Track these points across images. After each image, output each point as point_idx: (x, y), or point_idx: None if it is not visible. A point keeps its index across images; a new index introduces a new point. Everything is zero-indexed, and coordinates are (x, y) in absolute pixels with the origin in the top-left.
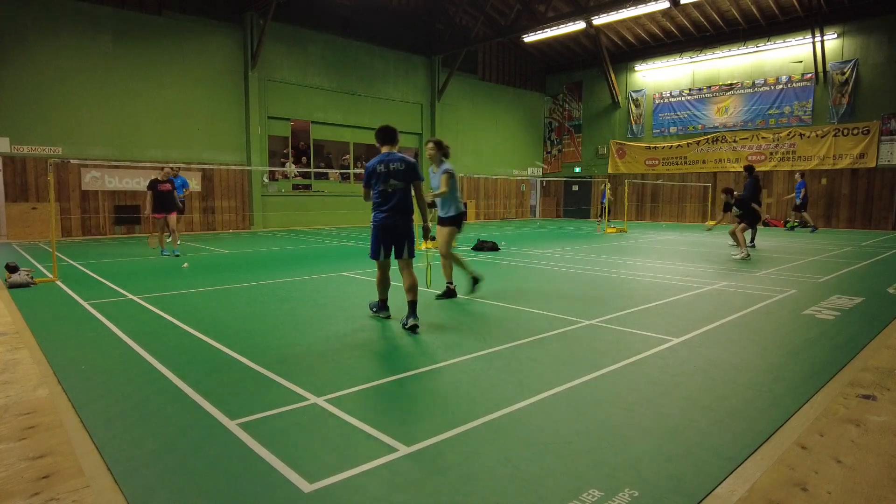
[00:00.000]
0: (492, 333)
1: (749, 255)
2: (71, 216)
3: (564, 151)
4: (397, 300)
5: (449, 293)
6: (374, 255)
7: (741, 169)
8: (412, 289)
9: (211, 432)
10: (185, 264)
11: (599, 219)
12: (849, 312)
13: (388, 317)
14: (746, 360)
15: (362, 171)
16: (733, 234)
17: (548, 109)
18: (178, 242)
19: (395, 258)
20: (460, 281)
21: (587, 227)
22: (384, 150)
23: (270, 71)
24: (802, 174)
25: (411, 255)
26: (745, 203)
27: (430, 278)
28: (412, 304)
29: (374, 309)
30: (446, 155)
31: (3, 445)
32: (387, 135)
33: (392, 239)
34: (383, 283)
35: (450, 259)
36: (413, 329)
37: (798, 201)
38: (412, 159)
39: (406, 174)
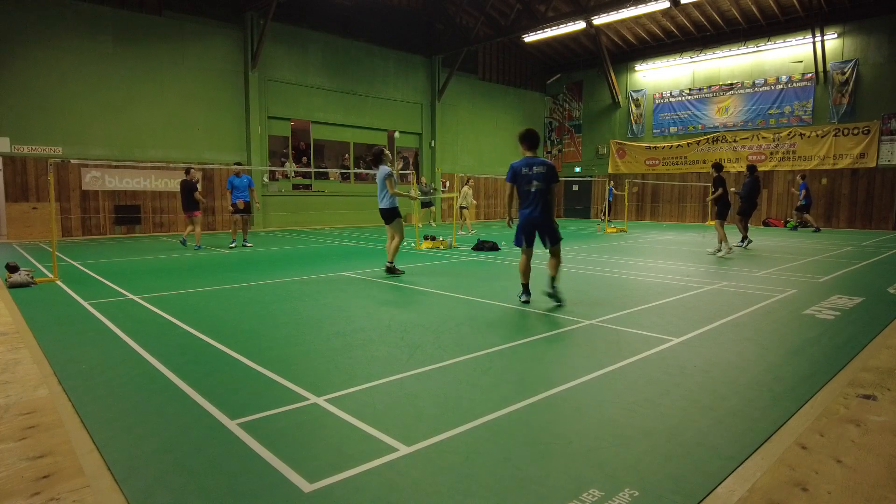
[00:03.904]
0: (492, 333)
1: (731, 250)
2: (71, 216)
3: (564, 151)
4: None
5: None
6: (518, 243)
7: (742, 169)
8: (554, 267)
9: (211, 432)
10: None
11: (602, 217)
12: (849, 312)
13: (528, 301)
14: (746, 360)
15: (362, 170)
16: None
17: (548, 109)
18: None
19: (544, 247)
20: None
21: (588, 226)
22: (528, 154)
23: (270, 71)
24: (804, 175)
25: (553, 243)
26: (722, 183)
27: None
28: (552, 279)
29: (521, 297)
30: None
31: (4, 445)
32: (533, 139)
33: (532, 231)
34: (526, 269)
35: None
36: (557, 301)
37: (802, 202)
38: (551, 162)
39: (546, 176)
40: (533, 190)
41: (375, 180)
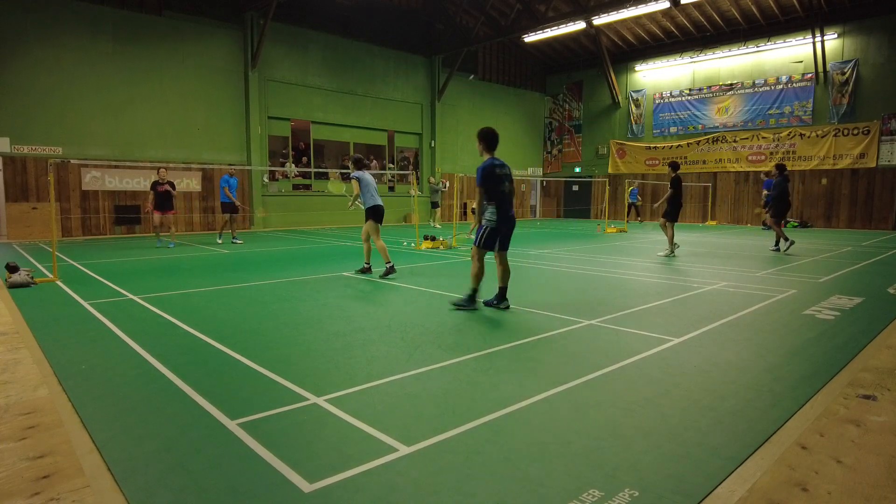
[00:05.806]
0: (492, 333)
1: (673, 252)
2: (71, 216)
3: (564, 151)
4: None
5: (364, 270)
6: (489, 246)
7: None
8: (507, 275)
9: (211, 432)
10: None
11: (629, 219)
12: (849, 312)
13: (477, 309)
14: (746, 360)
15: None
16: (664, 227)
17: (548, 109)
18: (175, 236)
19: (499, 250)
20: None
21: (587, 227)
22: (490, 155)
23: (270, 71)
24: (767, 173)
25: (507, 247)
26: (677, 183)
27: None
28: (504, 290)
29: (464, 304)
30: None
31: (4, 445)
32: (496, 140)
33: (504, 234)
34: (482, 273)
35: (368, 244)
36: (506, 308)
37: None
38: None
39: (511, 177)
40: (506, 191)
41: (366, 182)
